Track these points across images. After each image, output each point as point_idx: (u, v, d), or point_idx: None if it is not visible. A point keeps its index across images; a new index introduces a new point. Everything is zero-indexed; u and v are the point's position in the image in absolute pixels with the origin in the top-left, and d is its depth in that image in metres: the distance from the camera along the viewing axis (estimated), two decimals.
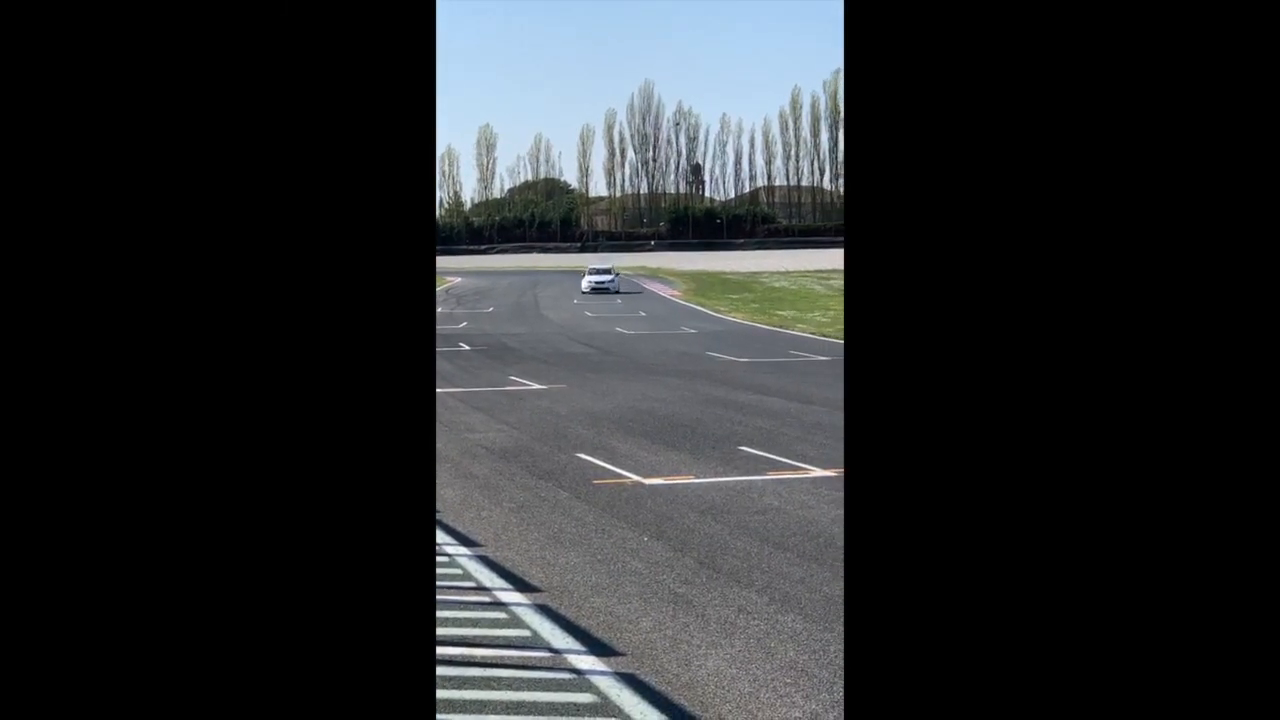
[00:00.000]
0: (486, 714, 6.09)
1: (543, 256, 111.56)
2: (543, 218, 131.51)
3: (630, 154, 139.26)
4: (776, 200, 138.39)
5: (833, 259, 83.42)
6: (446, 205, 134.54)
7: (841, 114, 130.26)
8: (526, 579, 8.68)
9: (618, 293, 60.93)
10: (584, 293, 60.70)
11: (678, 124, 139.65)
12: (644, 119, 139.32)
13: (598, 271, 65.12)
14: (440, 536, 9.80)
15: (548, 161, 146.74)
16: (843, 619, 7.49)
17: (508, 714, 6.12)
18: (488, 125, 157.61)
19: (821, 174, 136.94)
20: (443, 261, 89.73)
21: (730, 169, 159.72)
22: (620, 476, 12.72)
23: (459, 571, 8.85)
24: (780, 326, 38.41)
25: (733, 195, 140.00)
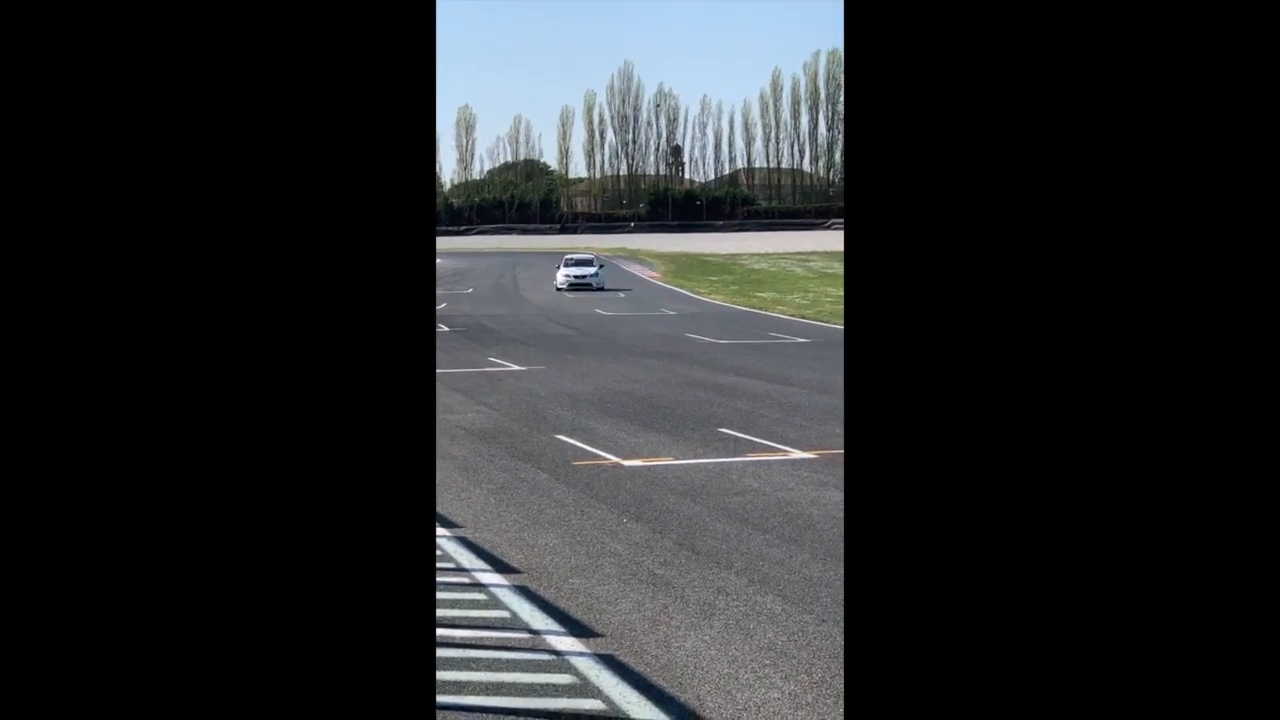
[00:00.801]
0: (465, 694, 6.10)
1: (522, 238, 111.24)
2: (522, 199, 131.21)
3: (610, 135, 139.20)
4: (756, 182, 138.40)
5: (812, 241, 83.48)
6: None
7: (822, 96, 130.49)
8: (505, 560, 8.69)
9: (601, 289, 48.15)
10: (559, 288, 48.25)
11: (658, 105, 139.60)
12: (624, 100, 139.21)
13: (577, 262, 50.72)
14: None
15: (527, 143, 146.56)
16: (821, 600, 7.53)
17: (487, 694, 6.13)
18: (467, 106, 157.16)
19: (801, 156, 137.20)
20: None
21: (710, 151, 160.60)
22: (599, 458, 12.72)
23: (438, 553, 8.85)
24: (759, 308, 38.45)
25: (712, 177, 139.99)
